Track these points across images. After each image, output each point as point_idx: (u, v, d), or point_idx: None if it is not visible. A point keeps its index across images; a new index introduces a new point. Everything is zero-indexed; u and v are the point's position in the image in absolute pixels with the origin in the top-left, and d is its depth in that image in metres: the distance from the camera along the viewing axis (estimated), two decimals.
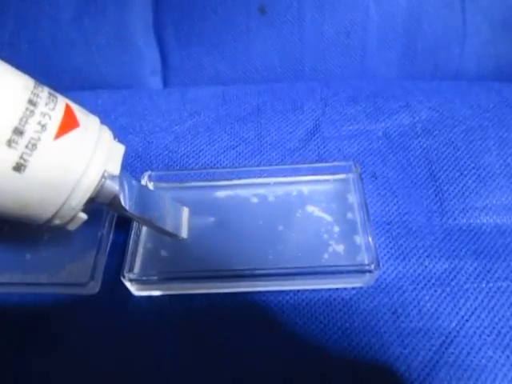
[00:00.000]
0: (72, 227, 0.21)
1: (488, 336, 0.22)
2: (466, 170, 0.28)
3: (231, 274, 0.24)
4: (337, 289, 0.24)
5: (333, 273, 0.24)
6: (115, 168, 0.21)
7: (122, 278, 0.23)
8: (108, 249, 0.26)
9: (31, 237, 0.26)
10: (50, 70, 0.38)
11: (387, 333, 0.23)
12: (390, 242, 0.25)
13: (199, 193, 0.27)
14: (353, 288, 0.24)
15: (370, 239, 0.24)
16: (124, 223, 0.26)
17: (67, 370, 0.23)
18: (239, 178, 0.28)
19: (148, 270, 0.25)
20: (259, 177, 0.28)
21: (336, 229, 0.26)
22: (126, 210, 0.22)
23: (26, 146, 0.17)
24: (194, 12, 0.38)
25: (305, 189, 0.27)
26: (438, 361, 0.22)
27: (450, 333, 0.23)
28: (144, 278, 0.24)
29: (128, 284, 0.24)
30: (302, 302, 0.24)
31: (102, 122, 0.21)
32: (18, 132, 0.17)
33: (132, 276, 0.23)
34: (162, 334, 0.23)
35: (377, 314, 0.23)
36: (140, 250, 0.25)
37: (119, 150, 0.22)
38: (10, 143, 0.17)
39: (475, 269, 0.24)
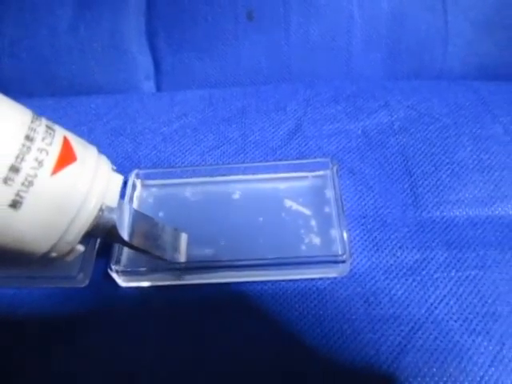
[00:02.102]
0: (69, 258, 0.21)
1: (455, 322, 0.23)
2: (440, 165, 0.29)
3: (214, 265, 0.25)
4: (312, 279, 0.25)
5: (308, 263, 0.25)
6: (113, 200, 0.21)
7: (109, 271, 0.25)
8: (98, 243, 0.27)
9: None
10: (47, 77, 0.40)
11: (358, 320, 0.24)
12: (364, 235, 0.27)
13: (184, 189, 0.29)
14: (327, 278, 0.25)
15: (344, 232, 0.25)
16: None
17: (60, 360, 0.24)
18: (223, 175, 0.29)
19: (134, 262, 0.26)
20: (242, 174, 0.29)
21: (313, 222, 0.27)
22: (124, 240, 0.22)
23: (22, 184, 0.17)
24: (185, 19, 0.40)
25: (284, 185, 0.28)
26: (406, 345, 0.23)
27: (418, 319, 0.24)
28: (130, 270, 0.25)
29: (115, 276, 0.25)
30: (279, 292, 0.25)
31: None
32: (15, 169, 0.17)
33: (118, 268, 0.25)
34: (147, 324, 0.25)
35: (349, 302, 0.24)
36: None
37: (117, 180, 0.21)
38: (6, 181, 0.17)
39: (446, 258, 0.25)
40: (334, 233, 0.26)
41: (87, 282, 0.26)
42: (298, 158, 0.30)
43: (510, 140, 0.30)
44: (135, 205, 0.28)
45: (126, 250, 0.26)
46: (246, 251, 0.26)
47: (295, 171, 0.29)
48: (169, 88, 0.41)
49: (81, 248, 0.21)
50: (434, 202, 0.28)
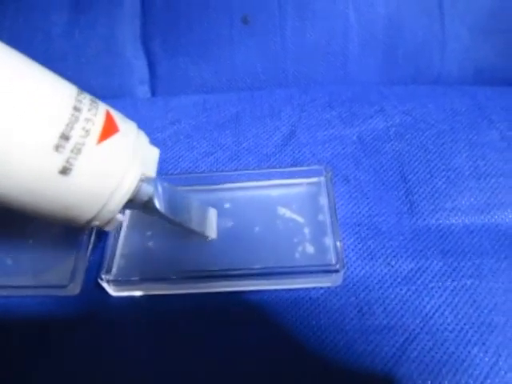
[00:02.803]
0: (109, 228, 0.22)
1: (450, 332, 0.23)
2: (436, 171, 0.29)
3: (206, 275, 0.25)
4: (306, 288, 0.25)
5: (302, 273, 0.24)
6: (151, 171, 0.22)
7: (100, 280, 0.24)
8: (89, 252, 0.27)
9: (15, 241, 0.27)
10: None
11: (352, 330, 0.23)
12: (358, 243, 0.26)
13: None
14: (321, 288, 0.25)
15: (338, 240, 0.25)
16: None
17: (48, 370, 0.24)
18: (215, 183, 0.29)
19: (124, 272, 0.26)
20: (235, 181, 0.29)
21: (307, 230, 0.26)
22: (159, 211, 0.23)
23: (72, 151, 0.18)
24: (180, 24, 0.39)
25: (278, 192, 0.28)
26: (401, 356, 0.22)
27: (413, 330, 0.23)
28: (121, 279, 0.25)
29: (105, 285, 0.25)
30: (272, 301, 0.25)
31: None
32: (65, 137, 0.18)
33: (109, 277, 0.25)
34: (138, 334, 0.24)
35: (343, 312, 0.24)
36: (118, 252, 0.26)
37: (155, 152, 0.23)
38: (57, 148, 0.18)
39: (441, 268, 0.25)
40: (328, 241, 0.26)
41: (78, 290, 0.26)
42: (291, 165, 0.30)
43: (507, 146, 0.29)
44: (127, 212, 0.28)
45: (117, 258, 0.26)
46: (239, 260, 0.25)
47: (288, 178, 0.28)
48: (164, 93, 0.40)
49: (121, 217, 0.22)
50: (429, 209, 0.27)
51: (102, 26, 0.40)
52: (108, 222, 0.21)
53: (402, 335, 0.23)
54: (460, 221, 0.27)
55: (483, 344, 0.23)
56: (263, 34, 0.39)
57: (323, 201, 0.27)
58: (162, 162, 0.30)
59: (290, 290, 0.25)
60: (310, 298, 0.24)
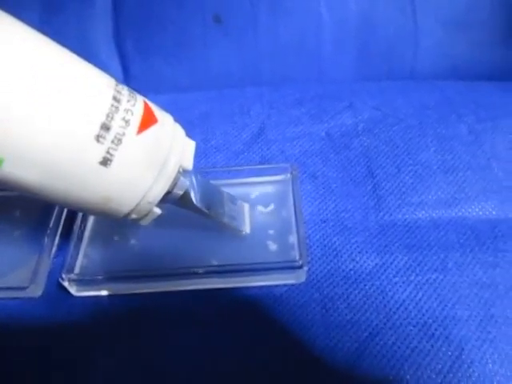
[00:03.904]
0: (146, 222, 0.22)
1: (414, 326, 0.23)
2: (403, 166, 0.29)
3: (170, 273, 0.25)
4: (270, 286, 0.25)
5: (265, 269, 0.24)
6: (189, 163, 0.22)
7: (61, 280, 0.24)
8: (53, 253, 0.27)
9: None
10: None
11: (315, 326, 0.23)
12: (324, 240, 0.26)
13: None
14: (285, 285, 0.25)
15: (302, 237, 0.24)
16: (70, 226, 0.27)
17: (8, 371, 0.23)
18: None
19: (87, 271, 0.25)
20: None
21: (271, 228, 0.26)
22: (195, 205, 0.23)
23: (112, 141, 0.18)
24: (153, 24, 0.39)
25: (244, 190, 0.28)
26: (363, 351, 0.22)
27: (376, 325, 0.23)
28: (83, 279, 0.25)
29: (67, 285, 0.24)
30: (236, 299, 0.24)
31: None
32: (106, 127, 0.18)
33: (70, 276, 0.24)
34: (101, 336, 0.24)
35: (306, 308, 0.24)
36: (81, 251, 0.26)
37: (191, 145, 0.22)
38: (98, 138, 0.18)
39: (406, 262, 0.25)
40: (292, 238, 0.25)
41: (40, 292, 0.25)
42: (259, 163, 0.30)
43: (474, 140, 0.29)
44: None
45: (80, 257, 0.26)
46: (202, 258, 0.25)
47: (255, 176, 0.28)
48: (138, 93, 0.40)
49: (158, 211, 0.21)
50: (396, 204, 0.27)
51: (74, 27, 0.40)
52: (145, 215, 0.21)
53: (365, 330, 0.23)
54: (427, 215, 0.27)
55: (446, 338, 0.22)
56: (236, 32, 0.39)
57: (288, 198, 0.27)
58: None
59: (253, 287, 0.25)
60: (274, 295, 0.24)
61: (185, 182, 0.22)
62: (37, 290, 0.25)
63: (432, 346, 0.22)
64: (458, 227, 0.26)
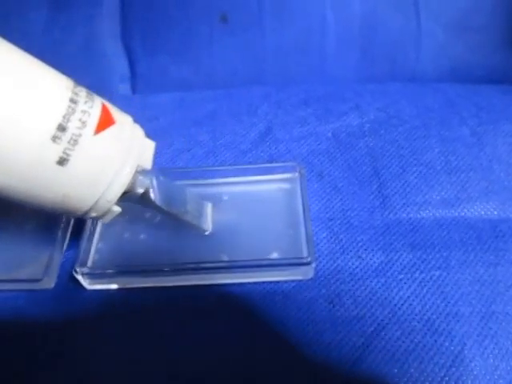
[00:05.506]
0: (107, 220, 0.22)
1: (418, 322, 0.24)
2: (408, 166, 0.29)
3: (180, 268, 0.25)
4: (278, 281, 0.25)
5: (273, 266, 0.25)
6: (148, 163, 0.22)
7: (74, 273, 0.25)
8: (66, 246, 0.27)
9: None
10: None
11: (322, 321, 0.24)
12: (331, 237, 0.27)
13: None
14: (292, 281, 0.25)
15: (310, 234, 0.25)
16: (82, 221, 0.27)
17: (21, 365, 0.24)
18: (193, 179, 0.29)
19: (99, 265, 0.26)
20: (211, 177, 0.29)
21: (280, 225, 0.27)
22: (155, 203, 0.23)
23: (69, 142, 0.18)
24: (160, 22, 0.40)
25: (253, 188, 0.29)
26: (369, 346, 0.23)
27: (382, 320, 0.24)
28: (96, 272, 0.25)
29: (80, 278, 0.25)
30: (244, 294, 0.25)
31: None
32: (62, 128, 0.18)
33: (83, 270, 0.25)
34: (113, 328, 0.25)
35: (313, 304, 0.24)
36: (93, 245, 0.26)
37: (150, 146, 0.23)
38: (54, 139, 0.18)
39: (410, 260, 0.26)
40: (300, 236, 0.26)
41: (53, 284, 0.26)
42: (267, 162, 0.30)
43: (477, 142, 0.30)
44: None
45: (92, 252, 0.26)
46: (213, 254, 0.26)
47: (262, 175, 0.29)
48: (144, 91, 0.40)
49: (118, 209, 0.22)
50: (401, 203, 0.28)
51: (82, 25, 0.40)
52: (105, 213, 0.22)
53: (370, 325, 0.24)
54: (430, 214, 0.28)
55: (449, 333, 0.23)
56: (242, 32, 0.39)
57: (296, 196, 0.28)
58: None
59: (262, 282, 0.25)
60: (282, 291, 0.25)
61: (144, 181, 0.22)
62: (50, 283, 0.26)
63: (435, 340, 0.23)
64: (460, 226, 0.27)
